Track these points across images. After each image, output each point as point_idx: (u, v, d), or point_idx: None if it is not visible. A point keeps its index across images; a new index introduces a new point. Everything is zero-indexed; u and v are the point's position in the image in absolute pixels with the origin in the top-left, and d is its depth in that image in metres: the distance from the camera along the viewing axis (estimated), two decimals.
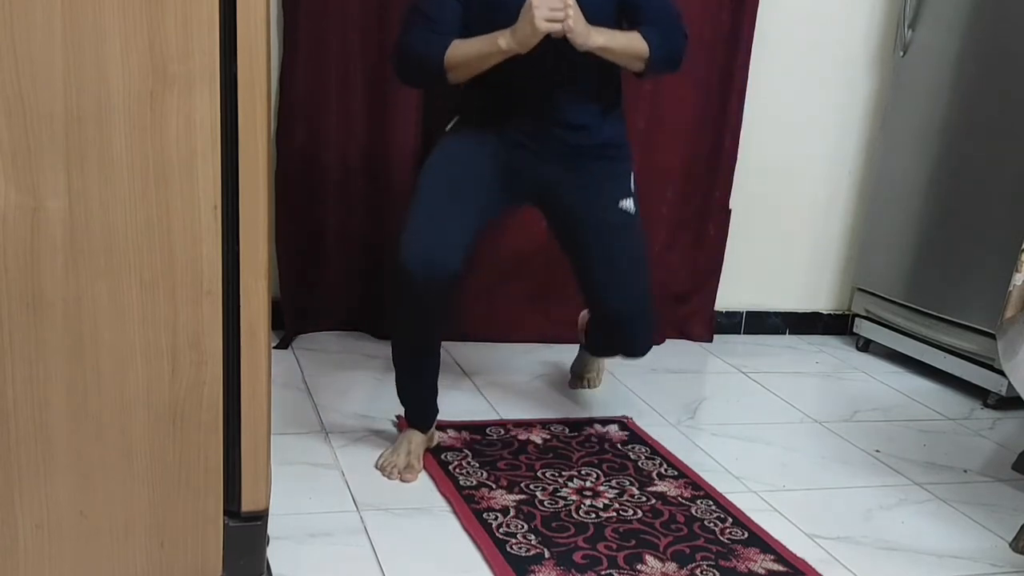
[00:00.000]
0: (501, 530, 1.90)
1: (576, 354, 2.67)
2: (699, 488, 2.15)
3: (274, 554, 1.69)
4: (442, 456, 2.20)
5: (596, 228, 2.20)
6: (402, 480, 2.09)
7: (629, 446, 2.34)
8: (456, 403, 2.46)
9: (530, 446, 2.29)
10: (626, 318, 2.27)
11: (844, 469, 2.35)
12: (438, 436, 2.26)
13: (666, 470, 2.23)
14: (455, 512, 1.97)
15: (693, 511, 2.04)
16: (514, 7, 1.94)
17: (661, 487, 2.14)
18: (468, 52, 2.01)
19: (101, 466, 1.36)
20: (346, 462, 2.15)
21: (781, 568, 1.86)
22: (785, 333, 3.40)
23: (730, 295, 3.27)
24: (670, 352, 3.10)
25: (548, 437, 2.35)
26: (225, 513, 1.43)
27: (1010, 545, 2.03)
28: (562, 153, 2.16)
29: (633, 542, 1.90)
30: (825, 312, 3.45)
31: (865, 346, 3.31)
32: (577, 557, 1.83)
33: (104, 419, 1.34)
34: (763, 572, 1.84)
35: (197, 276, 1.32)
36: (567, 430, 2.40)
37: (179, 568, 1.43)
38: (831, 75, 3.21)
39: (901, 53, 3.11)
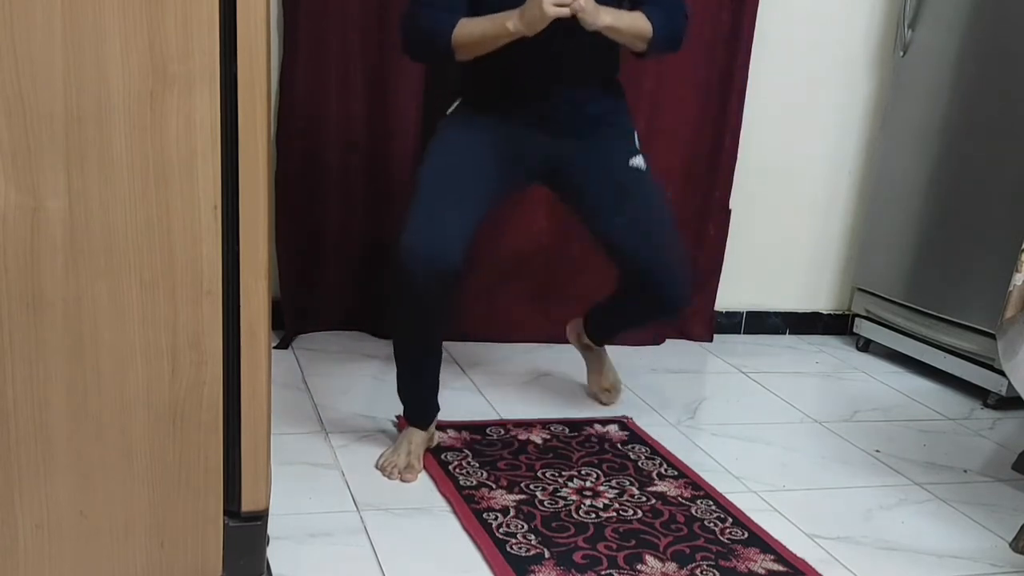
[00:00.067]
0: (501, 530, 1.90)
1: (587, 367, 2.62)
2: (699, 488, 2.15)
3: (274, 554, 1.69)
4: (442, 456, 2.20)
5: (612, 191, 2.21)
6: (402, 480, 2.09)
7: (629, 446, 2.34)
8: (456, 403, 2.46)
9: (530, 446, 2.29)
10: (661, 268, 2.25)
11: (844, 469, 2.35)
12: (438, 436, 2.26)
13: (666, 470, 2.23)
14: (455, 512, 1.97)
15: (693, 511, 2.04)
16: None
17: (661, 487, 2.14)
18: (475, 32, 2.02)
19: (101, 466, 1.36)
20: (346, 462, 2.15)
21: (781, 568, 1.86)
22: (785, 333, 3.40)
23: (730, 295, 3.27)
24: (670, 352, 3.10)
25: (548, 437, 2.35)
26: (225, 513, 1.43)
27: (1010, 545, 2.03)
28: (567, 129, 2.18)
29: (633, 542, 1.90)
30: (825, 312, 3.45)
31: (865, 346, 3.31)
32: (577, 557, 1.83)
33: (104, 419, 1.34)
34: (763, 572, 1.84)
35: (197, 276, 1.32)
36: (567, 430, 2.40)
37: (179, 568, 1.43)
38: (831, 75, 3.21)
39: (901, 53, 3.11)
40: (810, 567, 1.88)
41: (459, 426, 2.35)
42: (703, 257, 3.17)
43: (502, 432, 2.36)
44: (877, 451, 2.46)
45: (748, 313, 3.36)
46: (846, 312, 3.44)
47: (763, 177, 3.21)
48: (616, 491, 2.11)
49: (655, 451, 2.32)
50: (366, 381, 2.64)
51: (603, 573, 1.79)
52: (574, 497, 2.07)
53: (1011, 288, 1.96)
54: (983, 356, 2.85)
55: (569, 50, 2.09)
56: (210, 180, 1.29)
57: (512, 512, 1.98)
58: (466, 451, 2.24)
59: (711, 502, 2.09)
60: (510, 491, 2.07)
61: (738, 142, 3.08)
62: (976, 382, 2.89)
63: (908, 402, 2.86)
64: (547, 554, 1.83)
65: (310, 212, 2.83)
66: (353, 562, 1.78)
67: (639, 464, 2.25)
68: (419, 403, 2.19)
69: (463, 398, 2.55)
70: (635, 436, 2.40)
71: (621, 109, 2.28)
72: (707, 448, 2.39)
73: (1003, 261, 2.51)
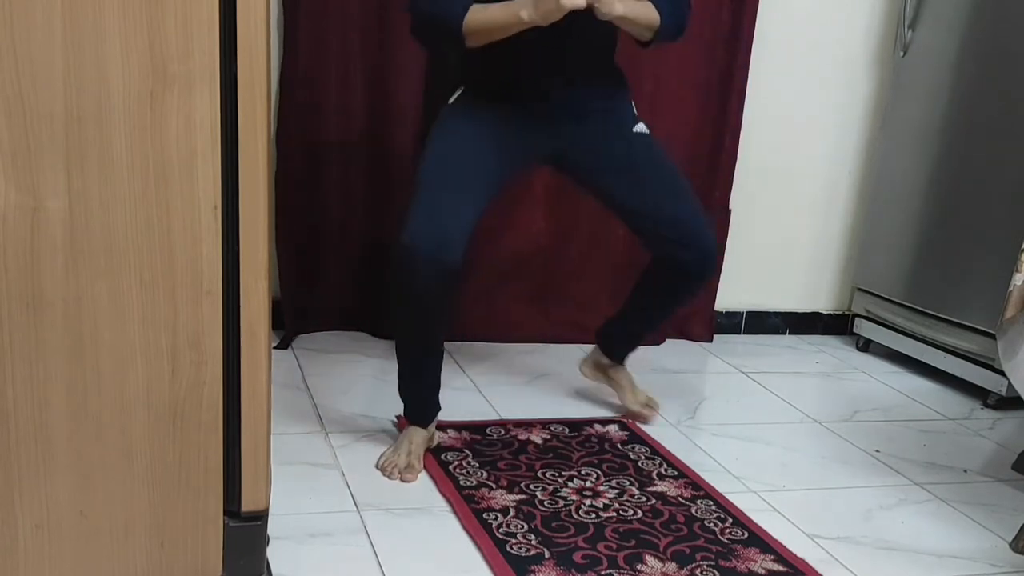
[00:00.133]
0: (501, 530, 1.90)
1: (617, 391, 2.53)
2: (699, 488, 2.15)
3: (274, 554, 1.69)
4: (442, 456, 2.20)
5: (622, 160, 2.21)
6: (402, 480, 2.09)
7: (629, 446, 2.34)
8: (456, 403, 2.46)
9: (530, 446, 2.29)
10: (687, 220, 2.23)
11: (844, 469, 2.35)
12: (438, 436, 2.26)
13: (666, 470, 2.23)
14: (455, 512, 1.97)
15: (693, 511, 2.04)
16: None
17: (661, 487, 2.14)
18: (487, 20, 2.00)
19: (101, 466, 1.36)
20: (346, 462, 2.15)
21: (781, 568, 1.86)
22: (785, 333, 3.40)
23: (730, 295, 3.27)
24: (670, 352, 3.10)
25: (548, 437, 2.35)
26: (225, 513, 1.43)
27: (1010, 545, 2.03)
28: (570, 117, 2.18)
29: (633, 542, 1.90)
30: (825, 312, 3.45)
31: (865, 346, 3.31)
32: (577, 557, 1.83)
33: (104, 419, 1.34)
34: (763, 572, 1.84)
35: (197, 276, 1.32)
36: (567, 430, 2.40)
37: (179, 568, 1.43)
38: (831, 75, 3.21)
39: (901, 53, 3.11)
40: (810, 567, 1.88)
41: (459, 426, 2.35)
42: None
43: (502, 432, 2.36)
44: (877, 451, 2.46)
45: (748, 313, 3.36)
46: (846, 312, 3.44)
47: (763, 177, 3.21)
48: (616, 491, 2.11)
49: (655, 451, 2.32)
50: (366, 381, 2.64)
51: (603, 573, 1.79)
52: (574, 497, 2.07)
53: (1011, 288, 1.96)
54: (983, 356, 2.85)
55: (575, 39, 2.09)
56: (210, 180, 1.29)
57: (512, 512, 1.98)
58: (466, 451, 2.24)
59: (711, 502, 2.09)
60: (510, 491, 2.07)
61: (738, 142, 3.08)
62: (976, 382, 2.89)
63: (908, 402, 2.86)
64: (547, 554, 1.83)
65: (310, 212, 2.83)
66: (353, 562, 1.78)
67: (639, 464, 2.25)
68: (419, 402, 2.19)
69: (463, 398, 2.55)
70: (635, 436, 2.40)
71: (622, 95, 2.28)
72: (707, 448, 2.39)
73: (1003, 261, 2.51)
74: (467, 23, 2.00)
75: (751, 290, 3.33)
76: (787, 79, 3.16)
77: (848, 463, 2.38)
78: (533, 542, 1.87)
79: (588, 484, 2.13)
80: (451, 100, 2.23)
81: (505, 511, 1.98)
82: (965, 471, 2.40)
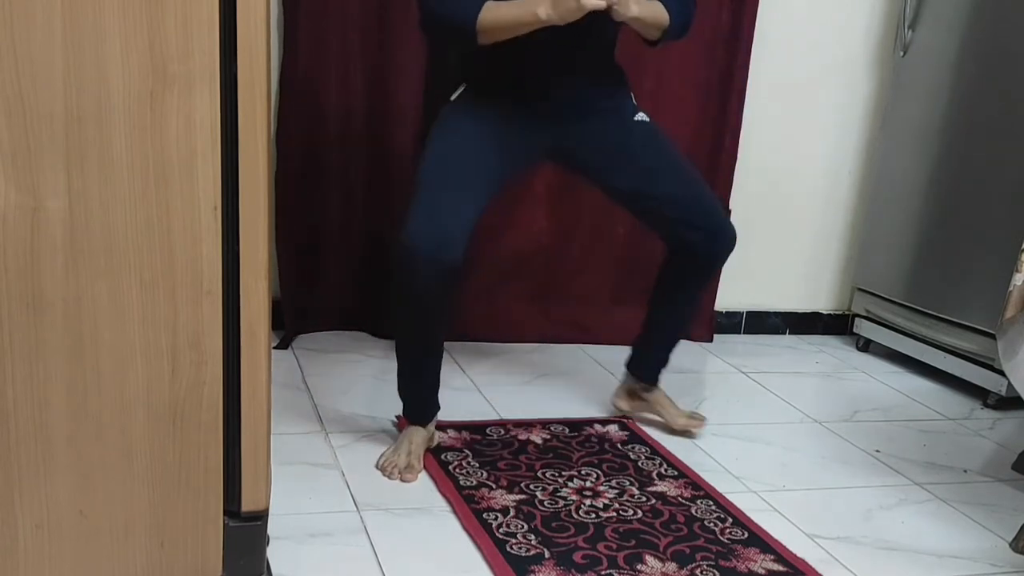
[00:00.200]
0: (501, 530, 1.90)
1: (659, 414, 2.47)
2: (699, 488, 2.15)
3: (274, 554, 1.69)
4: (442, 456, 2.20)
5: (625, 149, 2.21)
6: (402, 480, 2.09)
7: (629, 446, 2.34)
8: (456, 403, 2.46)
9: (530, 446, 2.29)
10: (700, 201, 2.24)
11: (844, 469, 2.35)
12: (438, 436, 2.26)
13: (666, 470, 2.23)
14: (455, 512, 1.97)
15: (693, 511, 2.04)
16: None
17: (661, 487, 2.14)
18: (503, 18, 1.98)
19: (101, 466, 1.36)
20: (346, 462, 2.15)
21: (781, 568, 1.86)
22: (785, 333, 3.40)
23: (730, 295, 3.27)
24: None
25: (548, 437, 2.35)
26: (225, 513, 1.43)
27: (1010, 545, 2.03)
28: (573, 116, 2.18)
29: (633, 542, 1.90)
30: (825, 312, 3.45)
31: (865, 346, 3.31)
32: (577, 557, 1.83)
33: (104, 419, 1.34)
34: (763, 572, 1.84)
35: (197, 276, 1.32)
36: (567, 430, 2.40)
37: (179, 568, 1.43)
38: (831, 75, 3.21)
39: (901, 53, 3.11)
40: (810, 567, 1.88)
41: (459, 426, 2.35)
42: None
43: (502, 432, 2.36)
44: (877, 451, 2.46)
45: (748, 313, 3.36)
46: (846, 312, 3.44)
47: (763, 177, 3.21)
48: (616, 491, 2.11)
49: (655, 451, 2.32)
50: (366, 381, 2.64)
51: (603, 573, 1.79)
52: (574, 497, 2.07)
53: (1011, 288, 1.96)
54: (983, 356, 2.86)
55: (582, 39, 2.09)
56: (210, 180, 1.29)
57: (512, 512, 1.98)
58: (466, 451, 2.24)
59: (711, 502, 2.09)
60: (510, 491, 2.07)
61: (738, 142, 3.08)
62: (976, 382, 2.89)
63: (908, 402, 2.87)
64: (547, 554, 1.83)
65: (310, 212, 2.83)
66: (353, 562, 1.78)
67: (639, 464, 2.25)
68: (419, 401, 2.19)
69: (463, 398, 2.55)
70: (635, 436, 2.40)
71: (623, 92, 2.28)
72: (707, 448, 2.39)
73: (1003, 261, 2.51)
74: (481, 20, 1.98)
75: (751, 290, 3.33)
76: (787, 79, 3.16)
77: (848, 463, 2.38)
78: (533, 542, 1.87)
79: (588, 484, 2.13)
80: (453, 97, 2.22)
81: (505, 511, 1.98)
82: (965, 471, 2.40)
